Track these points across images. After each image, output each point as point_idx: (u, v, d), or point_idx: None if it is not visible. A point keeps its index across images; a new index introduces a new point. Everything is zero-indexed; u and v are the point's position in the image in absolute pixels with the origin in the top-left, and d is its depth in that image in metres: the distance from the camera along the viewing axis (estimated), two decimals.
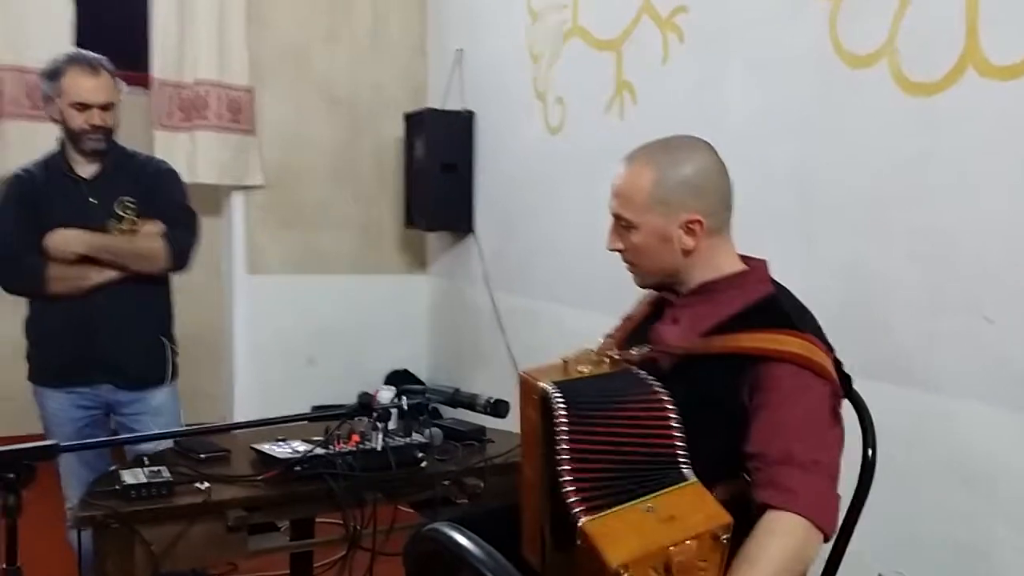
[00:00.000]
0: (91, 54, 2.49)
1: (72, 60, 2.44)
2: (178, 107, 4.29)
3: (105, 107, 2.45)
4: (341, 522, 1.91)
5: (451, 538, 1.10)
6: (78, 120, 2.42)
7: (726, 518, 1.23)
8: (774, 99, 2.55)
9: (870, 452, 1.57)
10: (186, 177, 4.20)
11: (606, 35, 3.32)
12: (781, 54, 2.52)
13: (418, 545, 1.26)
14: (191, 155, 4.29)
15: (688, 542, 1.17)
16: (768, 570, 1.28)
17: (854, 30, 2.29)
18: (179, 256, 2.53)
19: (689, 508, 1.22)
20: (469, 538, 1.08)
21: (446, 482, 1.99)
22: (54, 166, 2.50)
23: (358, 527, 1.89)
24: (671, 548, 1.17)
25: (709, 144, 1.57)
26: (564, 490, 1.24)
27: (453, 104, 4.43)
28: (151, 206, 2.53)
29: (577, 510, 1.22)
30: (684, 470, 1.29)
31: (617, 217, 1.57)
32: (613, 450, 1.30)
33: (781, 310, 1.50)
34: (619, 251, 1.59)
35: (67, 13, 4.06)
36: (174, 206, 2.60)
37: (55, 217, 2.44)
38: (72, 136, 2.45)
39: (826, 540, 1.36)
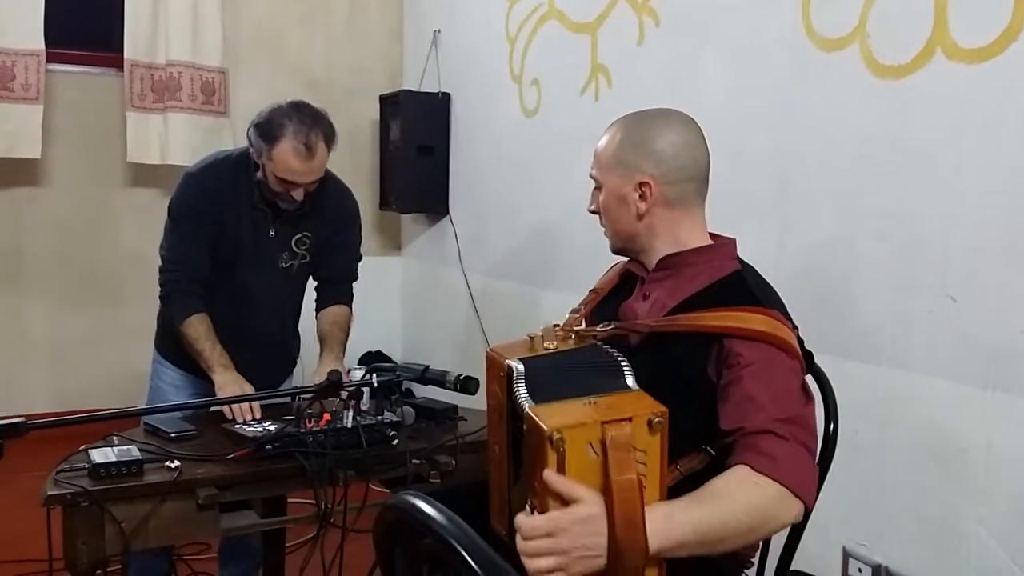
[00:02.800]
0: (313, 115, 2.26)
1: (290, 130, 2.20)
2: (151, 88, 4.26)
3: (312, 183, 2.30)
4: (313, 500, 1.92)
5: (415, 506, 1.11)
6: (279, 188, 2.27)
7: (662, 407, 1.25)
8: (748, 82, 2.56)
9: (832, 425, 1.59)
10: (157, 159, 4.25)
11: (582, 18, 3.32)
12: (755, 38, 2.53)
13: (383, 514, 1.26)
14: (163, 137, 4.26)
15: (623, 422, 1.21)
16: (729, 509, 1.26)
17: (826, 14, 2.30)
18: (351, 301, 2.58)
19: (629, 404, 1.27)
20: (433, 506, 1.08)
21: (417, 460, 1.99)
22: (244, 187, 2.33)
23: (329, 505, 1.89)
24: (605, 424, 1.21)
25: (691, 120, 1.59)
26: (515, 391, 1.30)
27: (429, 86, 4.42)
28: (328, 251, 2.49)
29: (525, 401, 1.28)
30: (629, 381, 1.33)
31: (592, 178, 1.63)
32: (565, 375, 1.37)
33: (746, 287, 1.51)
34: (595, 213, 1.64)
35: None
36: (352, 265, 2.59)
37: (227, 243, 2.34)
38: (267, 189, 2.30)
39: (807, 511, 1.36)
